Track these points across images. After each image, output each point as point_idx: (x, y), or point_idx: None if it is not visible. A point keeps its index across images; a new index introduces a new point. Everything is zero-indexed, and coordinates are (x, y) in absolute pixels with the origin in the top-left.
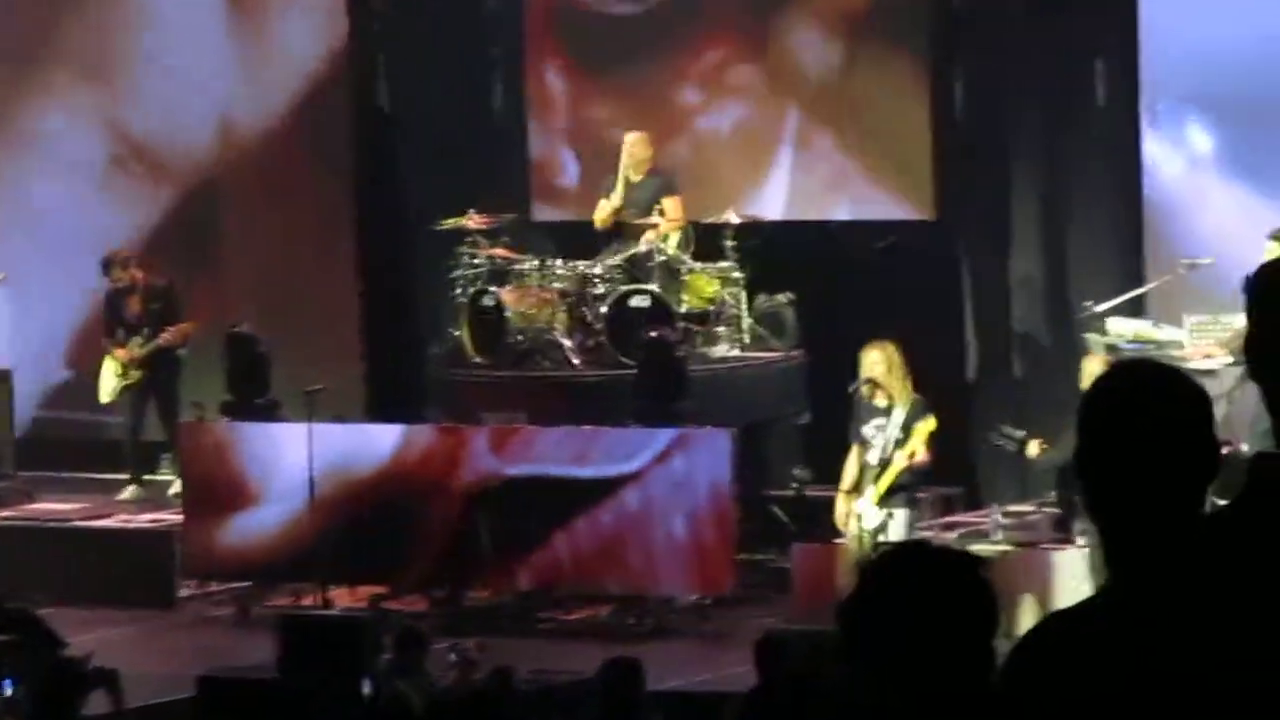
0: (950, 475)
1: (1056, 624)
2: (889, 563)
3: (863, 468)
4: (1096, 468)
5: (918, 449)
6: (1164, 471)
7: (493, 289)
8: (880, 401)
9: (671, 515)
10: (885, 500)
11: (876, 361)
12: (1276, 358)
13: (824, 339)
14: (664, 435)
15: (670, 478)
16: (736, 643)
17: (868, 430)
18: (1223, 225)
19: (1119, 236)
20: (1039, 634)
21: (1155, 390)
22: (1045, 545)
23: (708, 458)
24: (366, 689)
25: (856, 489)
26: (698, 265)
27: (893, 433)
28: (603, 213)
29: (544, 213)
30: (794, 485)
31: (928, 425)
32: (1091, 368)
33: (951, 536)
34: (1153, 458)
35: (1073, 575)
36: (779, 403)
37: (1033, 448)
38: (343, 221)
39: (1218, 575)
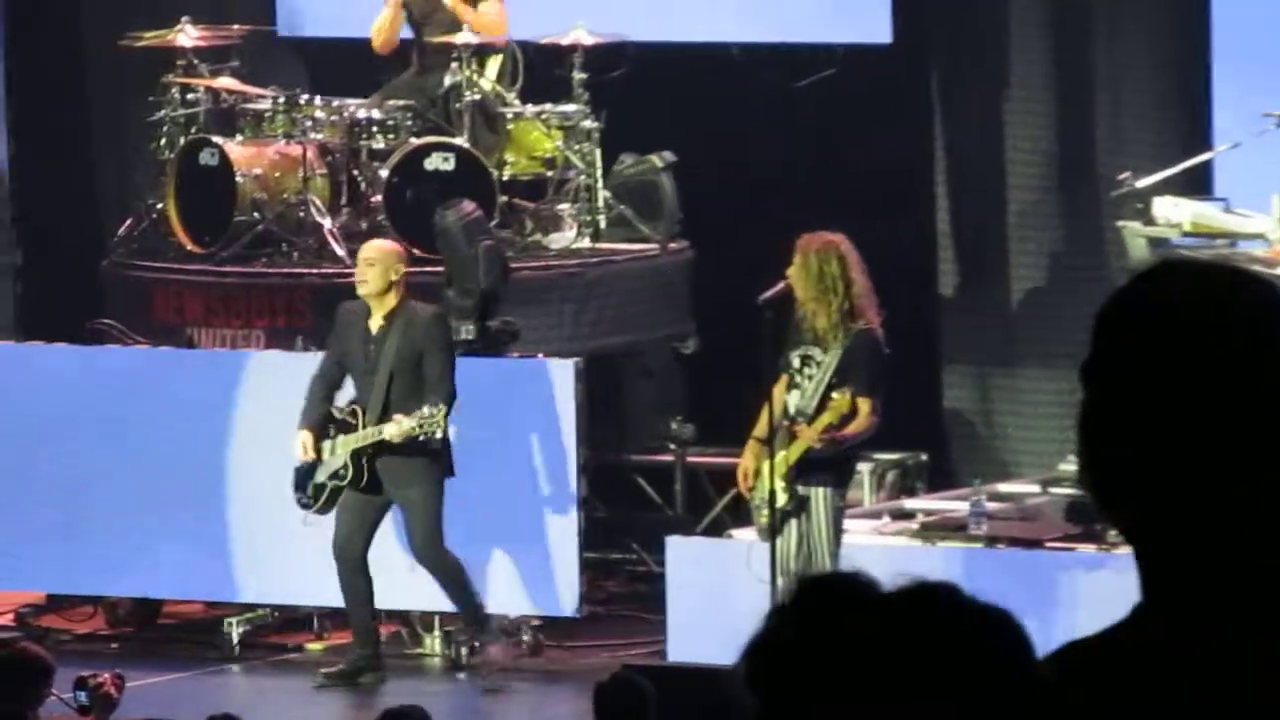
0: (910, 436)
1: (1071, 658)
2: (888, 614)
3: (775, 415)
4: (1113, 431)
5: (855, 421)
6: (1221, 435)
7: (216, 140)
8: (808, 325)
9: (484, 491)
10: (799, 475)
11: (794, 269)
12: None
13: (721, 223)
14: (472, 368)
15: (481, 434)
16: (579, 685)
17: (794, 360)
18: None
19: (1173, 72)
20: (1048, 670)
21: (1206, 306)
22: (1054, 544)
23: (540, 404)
24: None
25: (771, 441)
26: (529, 108)
27: (822, 376)
28: (384, 28)
29: (294, 25)
30: (671, 447)
31: (842, 401)
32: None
33: (907, 529)
34: (1202, 414)
35: (1097, 589)
36: (650, 321)
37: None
38: None
39: None
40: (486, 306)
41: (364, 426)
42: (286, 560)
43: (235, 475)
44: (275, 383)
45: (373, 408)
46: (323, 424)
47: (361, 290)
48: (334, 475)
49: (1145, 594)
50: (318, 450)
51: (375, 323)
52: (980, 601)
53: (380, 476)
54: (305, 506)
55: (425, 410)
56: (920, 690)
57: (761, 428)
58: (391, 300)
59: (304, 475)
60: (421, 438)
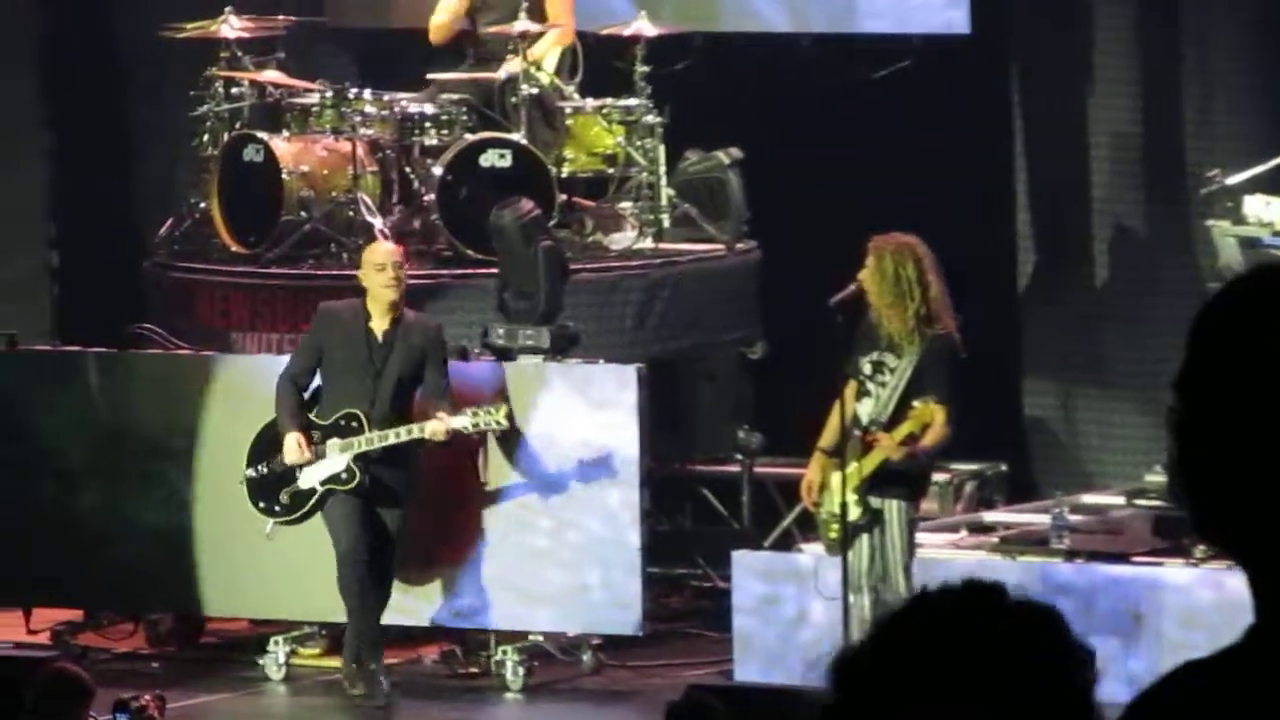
0: (988, 446)
1: (1186, 680)
2: (928, 618)
3: (846, 424)
4: (1208, 442)
5: (930, 431)
6: None
7: (261, 136)
8: (883, 329)
9: (541, 503)
10: (872, 487)
11: (868, 271)
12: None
13: (790, 223)
14: (530, 373)
15: (539, 443)
16: (642, 707)
17: (865, 366)
18: None
19: (1264, 64)
20: (1161, 694)
21: None
22: (1140, 558)
23: (600, 411)
24: None
25: (840, 452)
26: (589, 103)
27: (897, 383)
28: (441, 17)
29: (345, 16)
30: (738, 457)
31: (925, 410)
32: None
33: (986, 543)
34: None
35: (1185, 605)
36: (716, 324)
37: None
38: (19, 30)
39: None
40: (546, 310)
41: (369, 429)
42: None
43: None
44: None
45: (379, 411)
46: (306, 427)
47: (393, 295)
48: (331, 480)
49: (1258, 613)
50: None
51: (381, 326)
52: (1025, 603)
53: (376, 485)
54: (274, 515)
55: (478, 408)
56: (949, 694)
57: (828, 438)
58: (399, 306)
59: (272, 483)
60: (476, 435)
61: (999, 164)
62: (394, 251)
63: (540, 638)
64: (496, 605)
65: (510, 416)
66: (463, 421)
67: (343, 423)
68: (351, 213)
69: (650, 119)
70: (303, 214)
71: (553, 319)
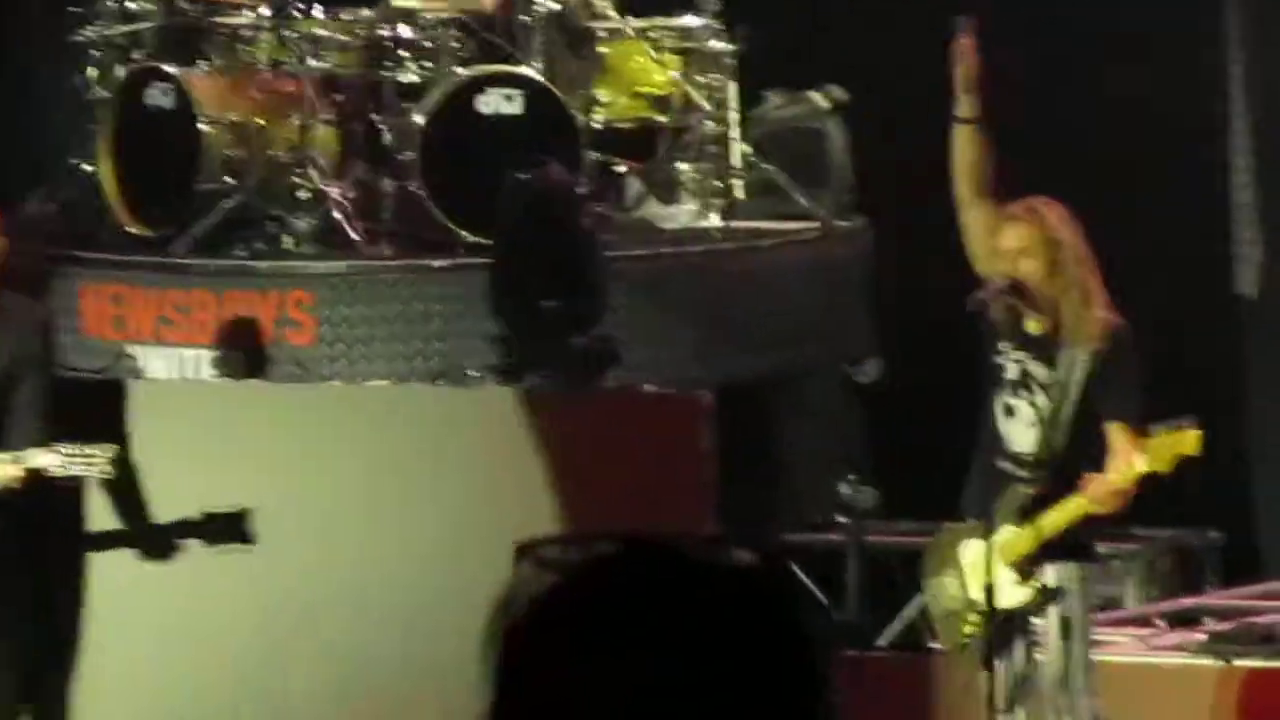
0: (1193, 505)
1: None
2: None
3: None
4: None
5: (1118, 484)
6: None
7: (170, 71)
8: (1035, 327)
9: None
10: (1041, 556)
11: (1024, 248)
12: None
13: (912, 193)
14: (550, 401)
15: (568, 495)
16: None
17: (1009, 369)
18: None
19: None
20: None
21: None
22: None
23: (651, 455)
24: None
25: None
26: (630, 22)
27: (1059, 401)
28: None
29: None
30: (843, 520)
31: (1178, 439)
32: None
33: (1190, 641)
34: None
35: None
36: (811, 335)
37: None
38: None
39: None
40: (584, 315)
41: None
42: None
43: None
44: None
45: None
46: None
47: None
48: None
49: None
50: None
51: None
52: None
53: None
54: None
55: (76, 445)
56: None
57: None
58: None
59: None
60: (66, 481)
61: (1209, 115)
62: None
63: None
64: None
65: (125, 464)
66: (48, 460)
67: None
68: (298, 178)
69: (717, 45)
70: (229, 181)
71: (589, 327)
